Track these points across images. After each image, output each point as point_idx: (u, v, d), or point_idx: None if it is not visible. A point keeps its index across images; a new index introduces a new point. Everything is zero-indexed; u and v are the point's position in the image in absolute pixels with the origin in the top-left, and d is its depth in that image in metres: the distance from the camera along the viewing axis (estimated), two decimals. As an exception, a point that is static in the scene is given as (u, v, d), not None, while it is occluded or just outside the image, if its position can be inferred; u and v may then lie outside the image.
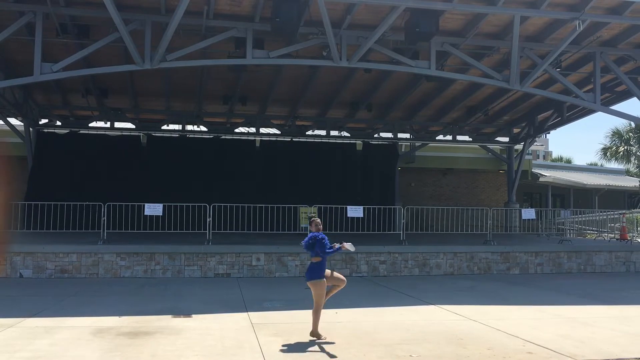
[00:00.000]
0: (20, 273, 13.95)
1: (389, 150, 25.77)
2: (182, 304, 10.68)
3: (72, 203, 15.91)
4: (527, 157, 27.71)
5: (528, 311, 10.49)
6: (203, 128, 23.98)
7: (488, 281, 14.75)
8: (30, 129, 22.23)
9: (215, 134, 24.25)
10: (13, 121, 21.69)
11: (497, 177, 29.54)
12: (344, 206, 16.73)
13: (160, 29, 13.45)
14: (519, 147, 26.19)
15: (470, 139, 26.01)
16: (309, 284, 7.94)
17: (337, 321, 9.25)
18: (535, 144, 28.50)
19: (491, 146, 27.07)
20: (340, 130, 24.90)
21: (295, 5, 12.51)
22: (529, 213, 19.48)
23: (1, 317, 8.96)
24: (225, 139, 24.30)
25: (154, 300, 11.20)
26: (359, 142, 25.74)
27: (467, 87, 20.62)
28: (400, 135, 25.68)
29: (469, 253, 16.36)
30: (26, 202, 17.77)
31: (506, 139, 26.47)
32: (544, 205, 31.12)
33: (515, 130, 26.04)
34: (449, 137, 25.51)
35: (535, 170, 31.12)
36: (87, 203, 15.81)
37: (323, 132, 24.85)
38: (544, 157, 73.30)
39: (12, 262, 13.96)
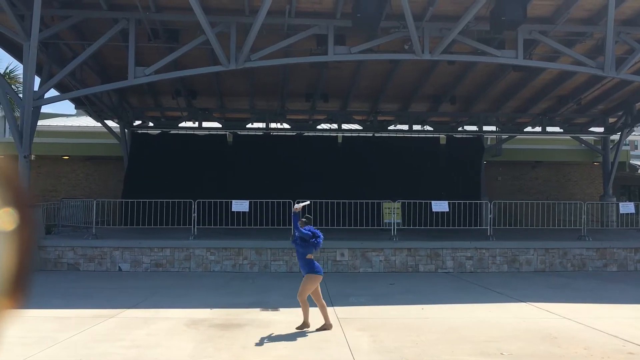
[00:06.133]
0: (119, 267, 14.78)
1: (474, 143, 25.11)
2: (269, 298, 10.93)
3: (164, 200, 16.61)
4: (624, 147, 26.11)
5: (628, 310, 9.92)
6: (286, 125, 24.37)
7: (583, 278, 14.07)
8: (126, 131, 23.44)
9: (298, 131, 24.61)
10: (110, 123, 22.95)
11: (591, 170, 28.05)
12: (429, 201, 16.48)
13: (244, 30, 13.79)
14: (615, 137, 24.71)
15: (562, 130, 24.76)
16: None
17: (424, 317, 9.16)
18: (633, 133, 26.79)
19: (584, 137, 25.67)
20: (422, 124, 24.48)
21: (376, 0, 12.44)
22: (627, 207, 18.37)
23: (104, 309, 9.55)
24: (307, 135, 24.61)
25: (243, 293, 11.53)
26: (442, 136, 25.25)
27: (557, 76, 19.70)
28: (485, 127, 24.93)
29: (562, 249, 15.65)
30: (123, 200, 18.86)
31: (601, 129, 24.99)
32: (644, 198, 29.28)
33: (611, 120, 24.58)
34: (538, 129, 24.46)
35: (634, 162, 29.30)
36: (179, 200, 16.41)
37: (405, 127, 24.56)
38: (643, 148, 68.86)
39: (112, 257, 14.82)
